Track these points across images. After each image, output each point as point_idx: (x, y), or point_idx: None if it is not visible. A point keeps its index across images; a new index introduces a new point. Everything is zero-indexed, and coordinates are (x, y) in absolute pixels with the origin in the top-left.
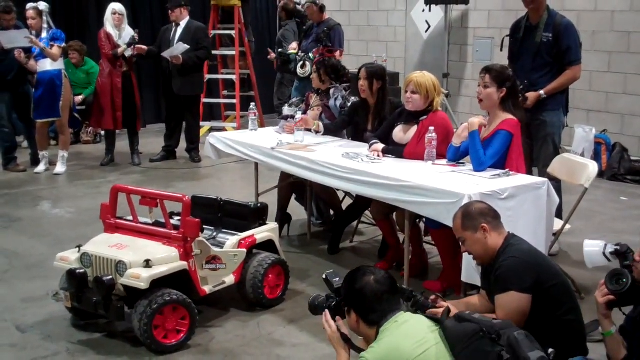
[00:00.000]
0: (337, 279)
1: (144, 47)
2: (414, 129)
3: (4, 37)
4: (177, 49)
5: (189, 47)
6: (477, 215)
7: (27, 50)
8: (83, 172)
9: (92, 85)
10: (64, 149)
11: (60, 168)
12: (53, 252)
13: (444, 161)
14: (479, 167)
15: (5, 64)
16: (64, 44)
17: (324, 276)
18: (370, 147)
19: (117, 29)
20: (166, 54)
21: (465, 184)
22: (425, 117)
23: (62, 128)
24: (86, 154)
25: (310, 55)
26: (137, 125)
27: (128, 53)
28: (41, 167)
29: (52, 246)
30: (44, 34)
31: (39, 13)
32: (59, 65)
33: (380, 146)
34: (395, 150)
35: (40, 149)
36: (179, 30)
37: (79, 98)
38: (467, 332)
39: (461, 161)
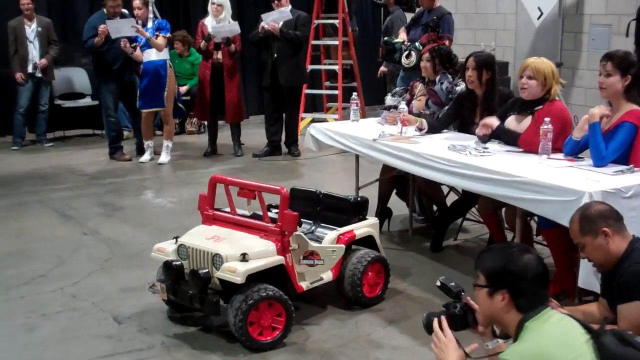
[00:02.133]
0: (453, 283)
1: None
2: (528, 119)
3: (111, 26)
4: (225, 27)
5: (238, 30)
6: (597, 218)
7: (133, 40)
8: (186, 162)
9: (197, 76)
10: (168, 139)
11: (164, 158)
12: (153, 241)
13: (560, 155)
14: (599, 162)
15: (111, 54)
16: (169, 34)
17: (438, 283)
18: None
19: (216, 19)
20: (214, 32)
21: (584, 180)
22: (541, 106)
23: (167, 118)
24: (190, 144)
25: (417, 44)
26: (230, 117)
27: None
28: (146, 157)
29: (153, 236)
30: (150, 24)
31: (145, 3)
32: (164, 55)
33: (495, 121)
34: (508, 133)
35: (145, 138)
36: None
37: (184, 89)
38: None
39: (579, 155)
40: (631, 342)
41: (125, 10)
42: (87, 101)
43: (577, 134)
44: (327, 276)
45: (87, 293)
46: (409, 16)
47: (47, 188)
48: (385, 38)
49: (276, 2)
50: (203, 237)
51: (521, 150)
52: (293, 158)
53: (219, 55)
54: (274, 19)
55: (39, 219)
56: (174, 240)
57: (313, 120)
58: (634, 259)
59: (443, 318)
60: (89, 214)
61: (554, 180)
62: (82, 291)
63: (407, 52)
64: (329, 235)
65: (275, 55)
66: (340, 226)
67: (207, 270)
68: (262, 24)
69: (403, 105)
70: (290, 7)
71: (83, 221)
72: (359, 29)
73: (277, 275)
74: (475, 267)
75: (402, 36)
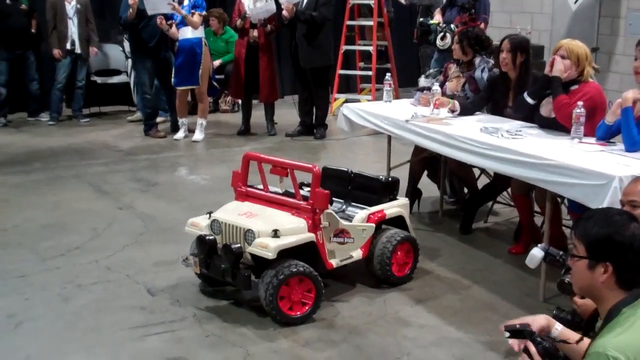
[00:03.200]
0: (518, 325)
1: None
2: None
3: (148, 3)
4: (262, 8)
5: (274, 9)
6: None
7: (169, 18)
8: (220, 140)
9: (231, 54)
10: (202, 117)
11: (198, 135)
12: (187, 217)
13: (592, 139)
14: (631, 147)
15: (147, 31)
16: (205, 12)
17: (506, 335)
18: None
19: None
20: (252, 16)
21: (615, 165)
22: (576, 86)
23: (201, 96)
24: (224, 123)
25: (452, 26)
26: (264, 96)
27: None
28: (180, 134)
29: (186, 211)
30: (186, 2)
31: None
32: (200, 33)
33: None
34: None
35: (180, 116)
36: None
37: (217, 62)
38: None
39: (611, 140)
40: None
41: None
42: (122, 78)
43: (609, 118)
44: (357, 254)
45: (121, 266)
46: None
47: (83, 163)
48: (421, 19)
49: None
50: (236, 213)
51: (553, 133)
52: (327, 137)
53: (255, 33)
54: (289, 1)
55: (75, 192)
56: (208, 215)
57: (346, 101)
58: None
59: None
60: (124, 189)
61: (584, 164)
62: (117, 264)
63: (442, 34)
64: (360, 214)
65: (297, 37)
66: (371, 206)
67: (239, 245)
68: (283, 6)
69: (437, 87)
70: None
71: (118, 196)
72: (394, 9)
73: (308, 252)
74: (573, 235)
75: (437, 17)
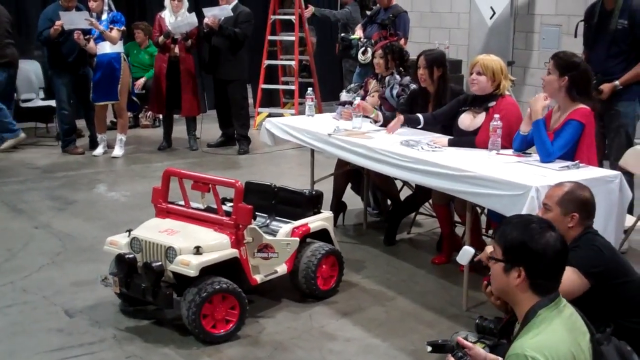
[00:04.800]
0: (439, 340)
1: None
2: (482, 115)
3: (65, 18)
4: (184, 21)
5: (196, 22)
6: (579, 202)
7: (86, 32)
8: (140, 156)
9: (153, 69)
10: (122, 133)
11: (118, 151)
12: (106, 235)
13: (510, 151)
14: (546, 158)
15: (66, 46)
16: (123, 27)
17: (429, 349)
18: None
19: (175, 14)
20: (174, 30)
21: (532, 175)
22: (494, 102)
23: (120, 111)
24: (144, 138)
25: (372, 41)
26: (186, 110)
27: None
28: (99, 150)
29: (106, 229)
30: (104, 16)
31: None
32: (118, 48)
33: (444, 139)
34: (465, 141)
35: (99, 132)
36: None
37: (141, 81)
38: None
39: (527, 151)
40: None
41: (79, 4)
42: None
43: (524, 127)
44: (282, 269)
45: (38, 287)
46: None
47: None
48: (342, 34)
49: None
50: (156, 230)
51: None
52: (249, 152)
53: (176, 49)
54: (214, 14)
55: None
56: (127, 233)
57: (269, 115)
58: (589, 239)
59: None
60: (40, 208)
61: (502, 175)
62: (33, 285)
63: (363, 49)
64: (284, 229)
65: (214, 50)
66: (295, 220)
67: (160, 263)
68: (205, 19)
69: (358, 101)
70: (235, 2)
71: (34, 215)
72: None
73: (231, 268)
74: (492, 238)
75: (358, 33)
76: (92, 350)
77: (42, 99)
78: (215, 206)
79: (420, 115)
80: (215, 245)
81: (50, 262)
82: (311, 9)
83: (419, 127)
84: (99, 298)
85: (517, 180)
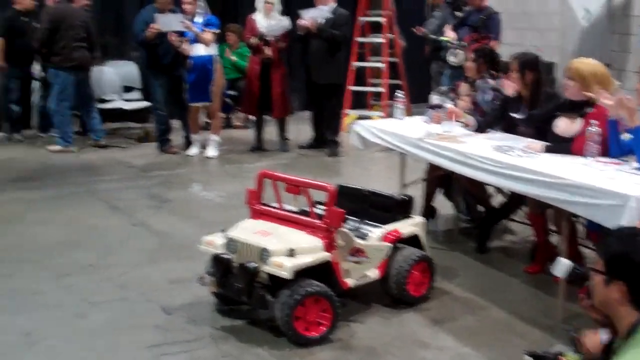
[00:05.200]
0: (541, 352)
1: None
2: (579, 121)
3: (161, 20)
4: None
5: (288, 25)
6: None
7: (180, 34)
8: (233, 156)
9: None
10: (215, 133)
11: (211, 152)
12: (200, 234)
13: (607, 158)
14: None
15: (162, 48)
16: (217, 30)
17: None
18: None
19: (267, 17)
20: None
21: (632, 184)
22: (591, 109)
23: (214, 112)
24: (236, 139)
25: (464, 43)
26: (277, 112)
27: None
28: (193, 150)
29: (200, 228)
30: (199, 19)
31: None
32: (212, 50)
33: (538, 145)
34: (561, 147)
35: (193, 132)
36: None
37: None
38: None
39: (625, 159)
40: None
41: (175, 7)
42: (135, 95)
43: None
44: (373, 274)
45: (136, 283)
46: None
47: (96, 179)
48: (432, 36)
49: None
50: (251, 231)
51: None
52: (334, 155)
53: (268, 51)
54: (311, 16)
55: (88, 209)
56: (222, 233)
57: (358, 118)
58: None
59: None
60: (137, 206)
61: (600, 183)
62: (131, 281)
63: (454, 51)
64: (375, 233)
65: (311, 52)
66: (386, 224)
67: (255, 264)
68: (300, 20)
69: (449, 104)
70: (333, 4)
71: (132, 212)
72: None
73: (323, 271)
74: (596, 250)
75: (449, 34)
76: (189, 348)
77: (139, 100)
78: (307, 209)
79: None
80: (309, 248)
81: (147, 259)
82: (424, 31)
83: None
84: (194, 296)
85: (616, 189)
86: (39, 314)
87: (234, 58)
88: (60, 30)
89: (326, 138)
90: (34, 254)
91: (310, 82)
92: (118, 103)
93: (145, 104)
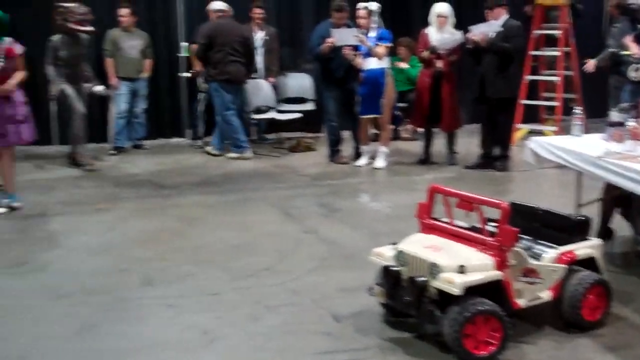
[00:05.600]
0: None
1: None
2: None
3: (336, 35)
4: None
5: (461, 39)
6: None
7: (355, 48)
8: (401, 168)
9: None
10: (384, 145)
11: (380, 163)
12: (369, 244)
13: None
14: None
15: (336, 62)
16: (390, 44)
17: None
18: None
19: (440, 30)
20: (439, 47)
21: None
22: None
23: (384, 125)
24: (404, 151)
25: None
26: (446, 125)
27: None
28: (362, 161)
29: (369, 238)
30: (372, 33)
31: (369, 13)
32: (385, 63)
33: None
34: None
35: (362, 143)
36: None
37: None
38: None
39: None
40: None
41: (349, 22)
42: (308, 106)
43: None
44: (546, 295)
45: (306, 289)
46: None
47: (271, 186)
48: (613, 50)
49: (488, 11)
50: (421, 246)
51: None
52: (504, 170)
53: (439, 64)
54: (482, 31)
55: (264, 215)
56: (392, 245)
57: (530, 132)
58: None
59: None
60: (309, 213)
61: None
62: (302, 287)
63: (635, 66)
64: (549, 254)
65: (484, 66)
66: (560, 245)
67: (424, 278)
68: (470, 35)
69: (631, 122)
70: (505, 16)
71: (303, 220)
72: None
73: (494, 290)
74: None
75: (632, 48)
76: (357, 357)
77: (311, 111)
78: (479, 225)
79: None
80: (479, 265)
81: (317, 267)
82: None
83: None
84: (363, 306)
85: None
86: (216, 313)
87: (405, 65)
88: (215, 45)
89: (494, 155)
90: (214, 256)
91: (482, 96)
92: (273, 114)
93: (297, 115)
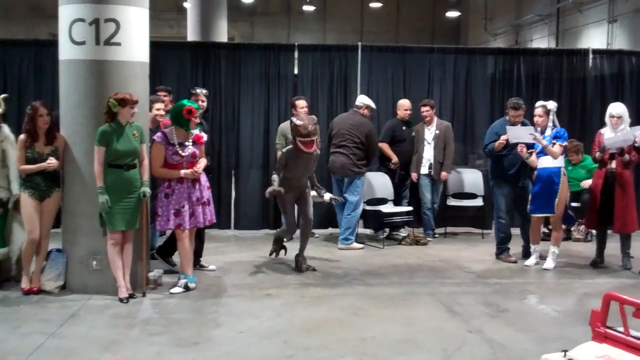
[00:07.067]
0: None
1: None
2: None
3: (511, 132)
4: (619, 137)
5: (632, 139)
6: None
7: (529, 146)
8: (571, 270)
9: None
10: (555, 245)
11: (549, 263)
12: (536, 349)
13: None
14: None
15: (509, 159)
16: (565, 143)
17: None
18: None
19: (614, 130)
20: (609, 145)
21: None
22: None
23: (556, 224)
24: (576, 252)
25: None
26: (620, 226)
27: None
28: (531, 261)
29: (536, 343)
30: (548, 132)
31: (546, 112)
32: (559, 162)
33: None
34: None
35: (533, 242)
36: None
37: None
38: None
39: None
40: None
41: (525, 120)
42: (477, 202)
43: None
44: None
45: None
46: None
47: (436, 281)
48: None
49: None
50: (594, 356)
51: None
52: None
53: (612, 164)
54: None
55: (427, 310)
56: (563, 353)
57: None
58: None
59: None
60: (474, 312)
61: None
62: None
63: None
64: None
65: None
66: None
67: None
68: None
69: None
70: None
71: (468, 318)
72: None
73: None
74: None
75: None
76: None
77: (480, 207)
78: None
79: None
80: None
81: None
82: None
83: None
84: None
85: None
86: None
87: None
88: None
89: None
90: (377, 349)
91: None
92: (387, 207)
93: (409, 208)
